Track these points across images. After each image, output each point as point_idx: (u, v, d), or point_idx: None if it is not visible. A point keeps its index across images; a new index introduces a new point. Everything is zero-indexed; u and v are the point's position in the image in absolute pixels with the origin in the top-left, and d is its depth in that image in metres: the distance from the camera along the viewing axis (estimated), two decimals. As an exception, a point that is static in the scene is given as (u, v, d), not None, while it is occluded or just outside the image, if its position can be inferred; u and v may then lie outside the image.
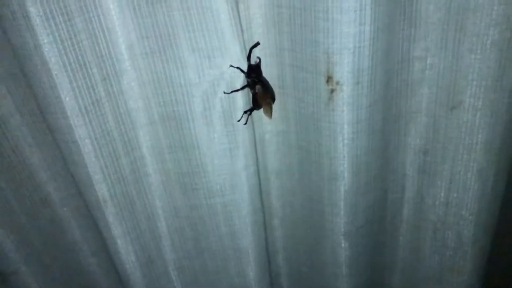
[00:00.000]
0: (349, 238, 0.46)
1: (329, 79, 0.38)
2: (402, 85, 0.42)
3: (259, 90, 0.39)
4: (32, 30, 0.32)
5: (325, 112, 0.40)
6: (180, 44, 0.36)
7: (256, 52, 0.38)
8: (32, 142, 0.42)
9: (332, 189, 0.44)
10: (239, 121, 0.40)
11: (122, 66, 0.38)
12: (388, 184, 0.48)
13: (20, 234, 0.43)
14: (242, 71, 0.37)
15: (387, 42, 0.38)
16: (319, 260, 0.50)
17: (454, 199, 0.46)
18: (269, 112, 0.41)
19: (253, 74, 0.38)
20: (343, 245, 0.46)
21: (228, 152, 0.42)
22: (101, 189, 0.40)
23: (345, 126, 0.40)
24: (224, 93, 0.39)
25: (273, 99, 0.42)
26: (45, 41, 0.33)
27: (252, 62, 0.38)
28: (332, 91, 0.38)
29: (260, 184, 0.46)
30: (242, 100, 0.40)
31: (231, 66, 0.37)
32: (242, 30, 0.36)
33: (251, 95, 0.40)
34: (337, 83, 0.38)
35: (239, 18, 0.36)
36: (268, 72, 0.41)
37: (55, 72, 0.34)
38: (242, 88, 0.39)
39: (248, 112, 0.40)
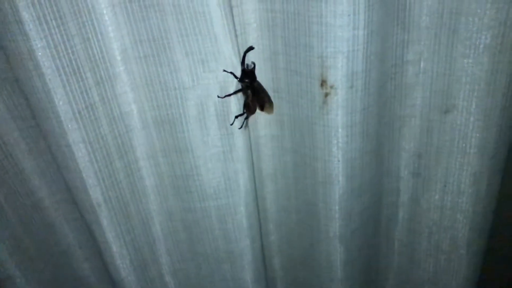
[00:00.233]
0: (344, 241, 0.46)
1: (323, 82, 0.38)
2: (396, 89, 0.42)
3: (250, 96, 0.39)
4: (25, 34, 0.32)
5: (320, 115, 0.40)
6: (173, 48, 0.36)
7: (250, 56, 0.38)
8: (25, 147, 0.41)
9: (327, 192, 0.44)
10: (231, 124, 0.40)
11: (116, 70, 0.37)
12: (382, 188, 0.48)
13: (13, 239, 0.43)
14: (235, 76, 0.37)
15: (381, 46, 0.38)
16: (315, 264, 0.50)
17: (449, 202, 0.46)
18: (269, 110, 0.41)
19: (247, 79, 0.38)
20: (338, 248, 0.46)
21: (222, 156, 0.42)
22: (95, 193, 0.40)
23: (339, 130, 0.40)
24: (218, 97, 0.39)
25: (270, 102, 0.41)
26: (38, 45, 0.33)
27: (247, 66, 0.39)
28: (326, 94, 0.39)
29: (255, 188, 0.46)
30: (236, 104, 0.40)
31: (224, 71, 0.37)
32: (236, 35, 0.37)
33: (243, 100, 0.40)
34: (331, 86, 0.38)
35: (233, 23, 0.36)
36: (262, 76, 0.41)
37: (49, 76, 0.34)
38: (235, 92, 0.39)
39: (244, 116, 0.40)
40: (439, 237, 0.48)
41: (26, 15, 0.31)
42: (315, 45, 0.36)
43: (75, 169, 0.38)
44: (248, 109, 0.40)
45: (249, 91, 0.38)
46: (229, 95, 0.38)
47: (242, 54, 0.38)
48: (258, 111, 0.42)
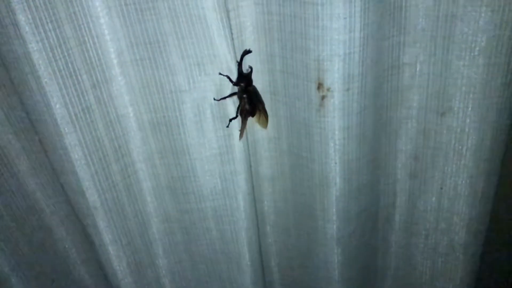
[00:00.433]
0: (341, 243, 0.46)
1: (319, 85, 0.38)
2: (392, 91, 0.42)
3: (244, 100, 0.39)
4: (21, 37, 0.32)
5: (316, 118, 0.40)
6: (169, 51, 0.36)
7: (247, 58, 0.39)
8: (20, 150, 0.41)
9: (324, 194, 0.44)
10: (227, 126, 0.40)
11: (112, 73, 0.38)
12: (379, 190, 0.48)
13: (9, 242, 0.43)
14: (230, 80, 0.37)
15: (377, 49, 0.38)
16: (312, 266, 0.50)
17: (446, 204, 0.46)
18: (264, 123, 0.41)
19: (242, 82, 0.38)
20: (335, 250, 0.46)
21: (219, 157, 0.42)
22: (92, 195, 0.40)
23: (336, 132, 0.40)
24: (214, 99, 0.39)
25: (264, 113, 0.42)
26: (35, 48, 0.33)
27: (244, 70, 0.39)
28: (323, 97, 0.39)
29: (253, 190, 0.46)
30: (232, 106, 0.40)
31: (220, 74, 0.37)
32: (232, 38, 0.37)
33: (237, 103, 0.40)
34: (328, 89, 0.38)
35: (230, 26, 0.36)
36: (259, 79, 0.41)
37: (45, 79, 0.34)
38: (231, 95, 0.39)
39: (244, 119, 0.40)
40: (435, 239, 0.48)
41: (22, 18, 0.31)
42: (311, 47, 0.36)
43: (72, 172, 0.38)
44: (242, 114, 0.40)
45: (244, 96, 0.39)
46: (224, 98, 0.39)
47: (238, 57, 0.38)
48: (254, 120, 0.42)
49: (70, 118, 0.36)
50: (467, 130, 0.41)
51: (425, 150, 0.45)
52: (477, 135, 0.41)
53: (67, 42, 0.34)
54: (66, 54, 0.34)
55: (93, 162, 0.39)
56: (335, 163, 0.41)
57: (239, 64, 0.38)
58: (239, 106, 0.39)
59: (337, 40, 0.35)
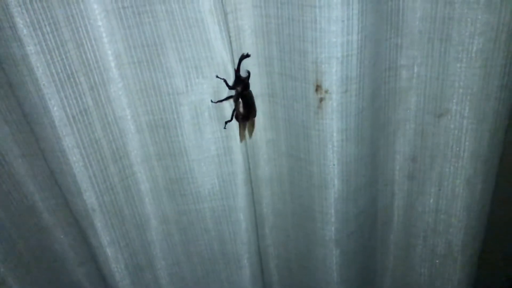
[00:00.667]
0: (340, 244, 0.46)
1: (318, 87, 0.38)
2: (390, 93, 0.42)
3: (238, 106, 0.39)
4: (19, 40, 0.32)
5: (315, 120, 0.40)
6: (167, 54, 0.36)
7: (245, 61, 0.39)
8: (18, 152, 0.41)
9: (322, 196, 0.44)
10: (225, 128, 0.40)
11: (110, 75, 0.38)
12: (378, 191, 0.48)
13: (7, 244, 0.43)
14: (227, 84, 0.38)
15: (375, 51, 0.38)
16: (311, 267, 0.50)
17: (444, 206, 0.46)
18: (250, 130, 0.41)
19: (239, 86, 0.38)
20: (334, 251, 0.46)
21: (217, 159, 0.42)
22: (90, 197, 0.40)
23: (334, 134, 0.40)
24: (212, 102, 0.39)
25: (254, 116, 0.42)
26: (32, 51, 0.33)
27: (242, 73, 0.39)
28: (321, 99, 0.39)
29: (252, 192, 0.46)
30: (230, 108, 0.40)
31: (217, 77, 0.37)
32: (230, 41, 0.37)
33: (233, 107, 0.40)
34: (326, 91, 0.38)
35: (227, 29, 0.36)
36: (257, 81, 0.41)
37: (43, 82, 0.34)
38: (227, 98, 0.39)
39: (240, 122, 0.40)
40: (434, 240, 0.48)
41: (20, 21, 0.31)
42: (309, 50, 0.37)
43: (70, 174, 0.38)
44: (237, 117, 0.40)
45: (240, 100, 0.39)
46: (221, 100, 0.39)
47: (236, 60, 0.38)
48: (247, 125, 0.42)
49: (68, 120, 0.36)
50: (464, 131, 0.42)
51: (422, 152, 0.45)
52: (474, 136, 0.41)
53: (65, 44, 0.34)
54: (64, 56, 0.34)
55: (91, 164, 0.39)
56: (334, 164, 0.41)
57: (237, 68, 0.38)
58: (234, 109, 0.39)
59: (335, 42, 0.35)
